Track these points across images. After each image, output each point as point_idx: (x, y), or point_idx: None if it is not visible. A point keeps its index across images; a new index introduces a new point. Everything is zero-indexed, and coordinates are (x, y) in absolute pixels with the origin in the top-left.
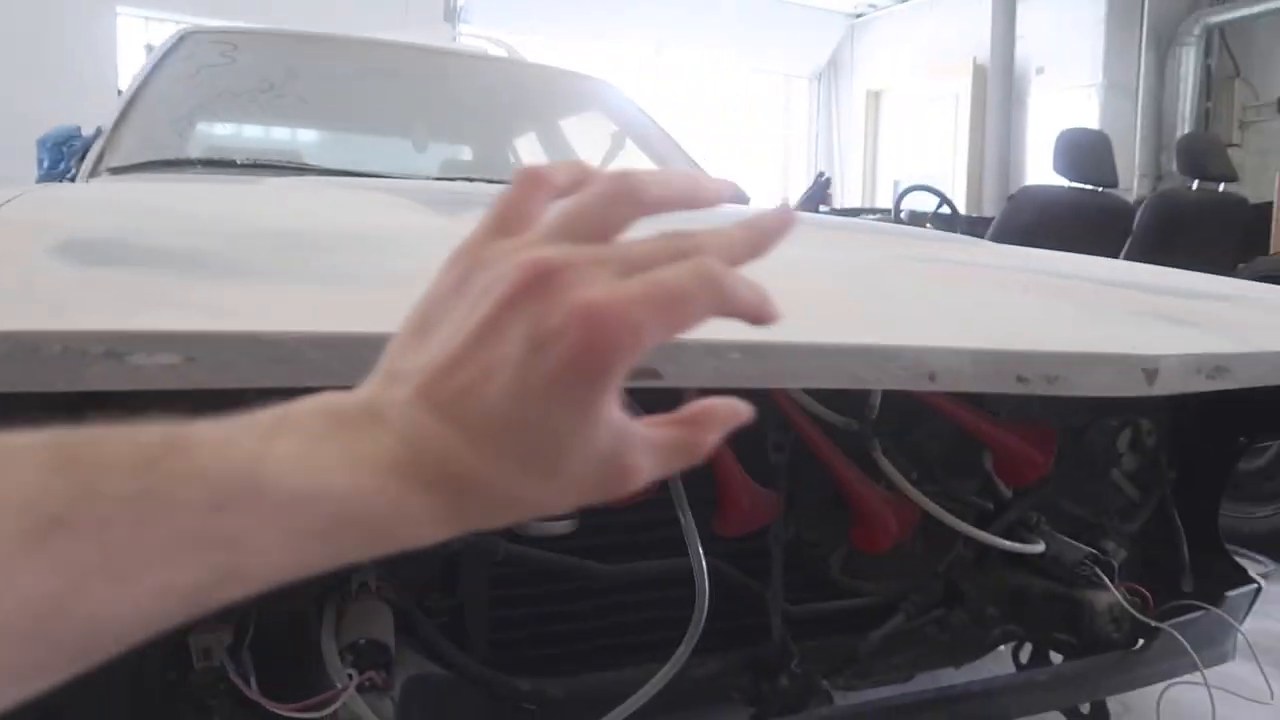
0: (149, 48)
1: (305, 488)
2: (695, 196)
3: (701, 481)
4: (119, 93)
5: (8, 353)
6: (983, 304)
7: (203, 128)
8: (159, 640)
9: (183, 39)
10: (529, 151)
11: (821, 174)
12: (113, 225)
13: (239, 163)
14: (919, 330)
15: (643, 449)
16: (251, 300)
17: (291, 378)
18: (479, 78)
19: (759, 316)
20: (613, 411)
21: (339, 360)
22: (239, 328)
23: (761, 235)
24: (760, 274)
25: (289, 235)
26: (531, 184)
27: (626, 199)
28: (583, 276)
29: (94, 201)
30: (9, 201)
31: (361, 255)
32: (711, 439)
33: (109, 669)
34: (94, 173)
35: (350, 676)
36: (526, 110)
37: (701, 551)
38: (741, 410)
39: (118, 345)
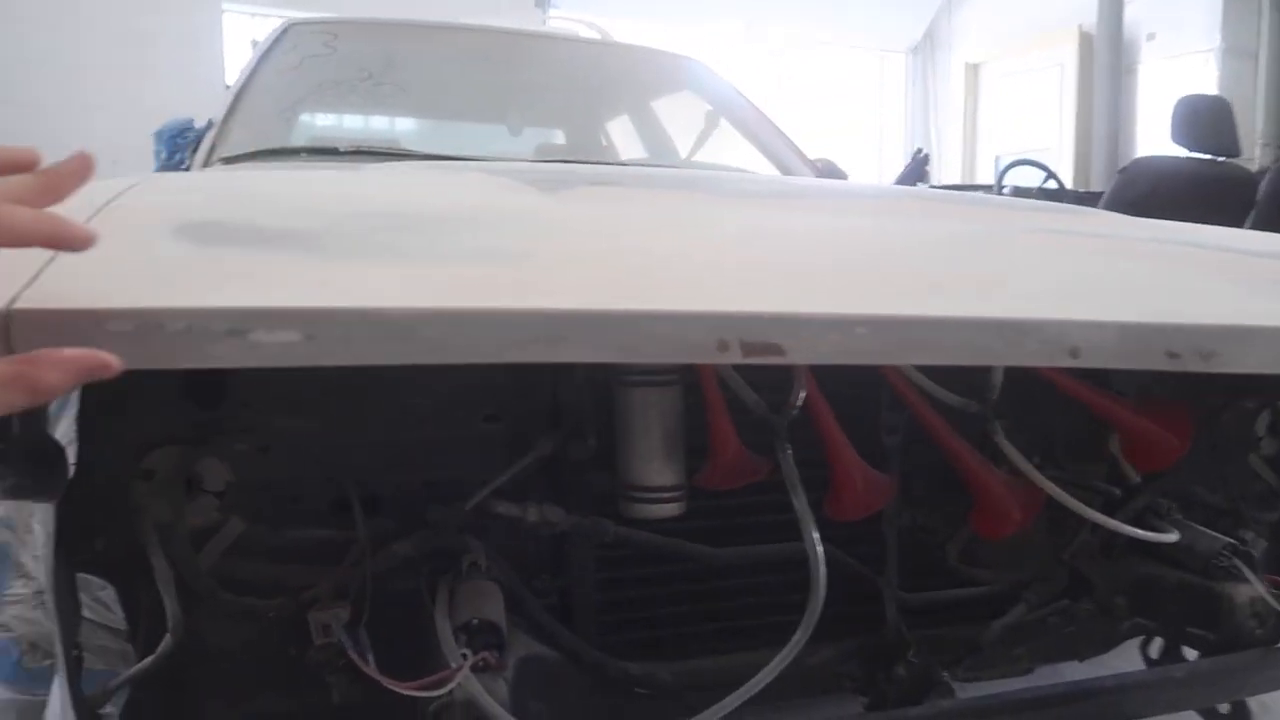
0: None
1: None
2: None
3: (813, 464)
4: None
5: (134, 330)
6: (1122, 275)
7: (306, 117)
8: (279, 616)
9: (286, 31)
10: (622, 133)
11: (919, 150)
12: (228, 209)
13: (341, 150)
14: (1057, 303)
15: None
16: (366, 278)
17: (406, 354)
18: (571, 60)
19: (56, 244)
20: None
21: (454, 336)
22: (356, 304)
23: (57, 178)
24: (885, 249)
25: (398, 215)
26: None
27: None
28: None
29: (208, 188)
30: (129, 189)
31: (470, 233)
32: (56, 380)
33: (231, 643)
34: (207, 163)
35: (465, 656)
36: (619, 92)
37: (817, 536)
38: (104, 362)
39: (239, 323)
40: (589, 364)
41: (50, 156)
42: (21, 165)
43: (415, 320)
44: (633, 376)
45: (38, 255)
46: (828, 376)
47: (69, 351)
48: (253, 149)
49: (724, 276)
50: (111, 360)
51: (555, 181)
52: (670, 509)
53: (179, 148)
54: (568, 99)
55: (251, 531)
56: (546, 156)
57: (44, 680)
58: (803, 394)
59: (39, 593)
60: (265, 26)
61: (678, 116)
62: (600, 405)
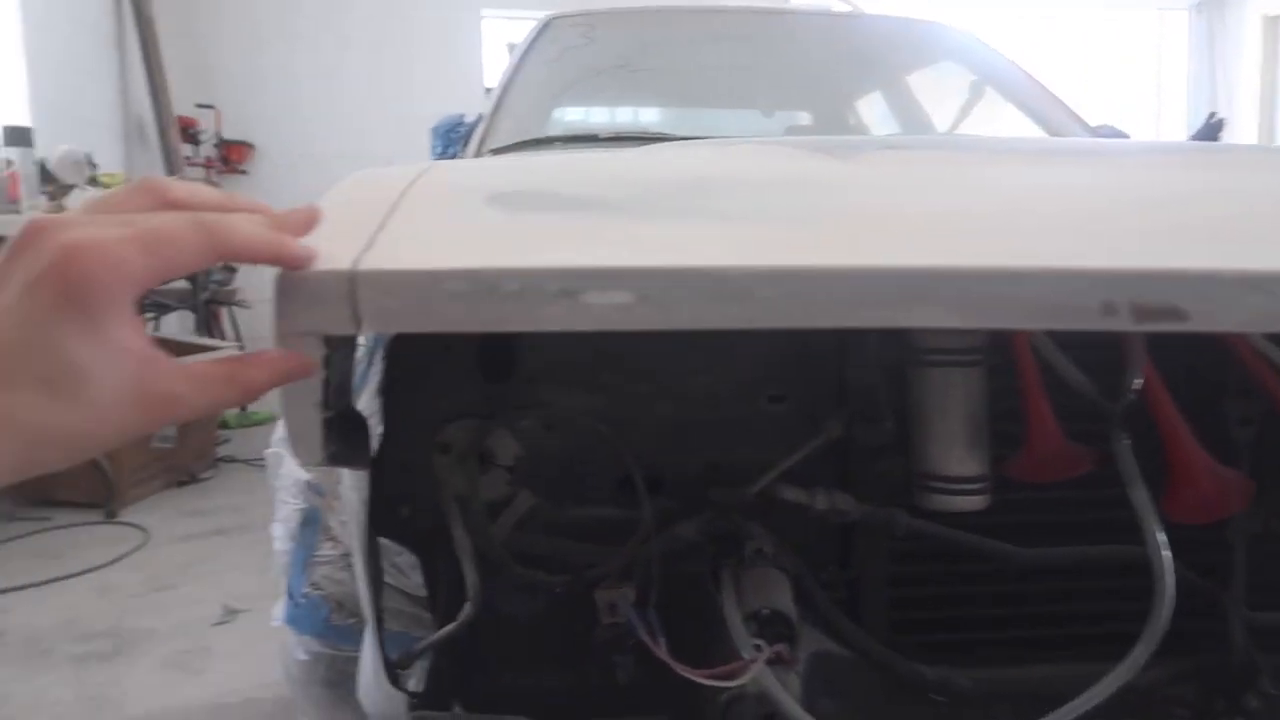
0: (510, 46)
1: None
2: (225, 210)
3: (1140, 457)
4: (486, 90)
5: (467, 291)
6: None
7: (568, 107)
8: (566, 592)
9: (547, 25)
10: (873, 111)
11: (1213, 115)
12: (531, 181)
13: (601, 137)
14: None
15: (178, 378)
16: (694, 238)
17: (741, 317)
18: (825, 36)
19: (278, 260)
20: (131, 339)
21: (790, 297)
22: (692, 263)
23: (284, 222)
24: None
25: (700, 181)
26: (141, 191)
27: (150, 190)
28: (69, 227)
29: (500, 166)
30: (427, 170)
31: (783, 195)
32: (260, 378)
33: (521, 616)
34: (477, 154)
35: (759, 648)
36: (872, 67)
37: (1163, 538)
38: (304, 364)
39: (572, 283)
40: (881, 341)
41: (341, 159)
42: (255, 212)
43: (755, 280)
44: (932, 355)
45: (368, 222)
46: (1159, 355)
47: (272, 353)
48: (518, 139)
49: (1097, 231)
50: (310, 361)
51: (845, 148)
52: (972, 502)
53: (452, 141)
54: (820, 77)
55: (538, 507)
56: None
57: (349, 637)
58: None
59: (345, 555)
60: (522, 28)
61: (936, 89)
62: (892, 386)
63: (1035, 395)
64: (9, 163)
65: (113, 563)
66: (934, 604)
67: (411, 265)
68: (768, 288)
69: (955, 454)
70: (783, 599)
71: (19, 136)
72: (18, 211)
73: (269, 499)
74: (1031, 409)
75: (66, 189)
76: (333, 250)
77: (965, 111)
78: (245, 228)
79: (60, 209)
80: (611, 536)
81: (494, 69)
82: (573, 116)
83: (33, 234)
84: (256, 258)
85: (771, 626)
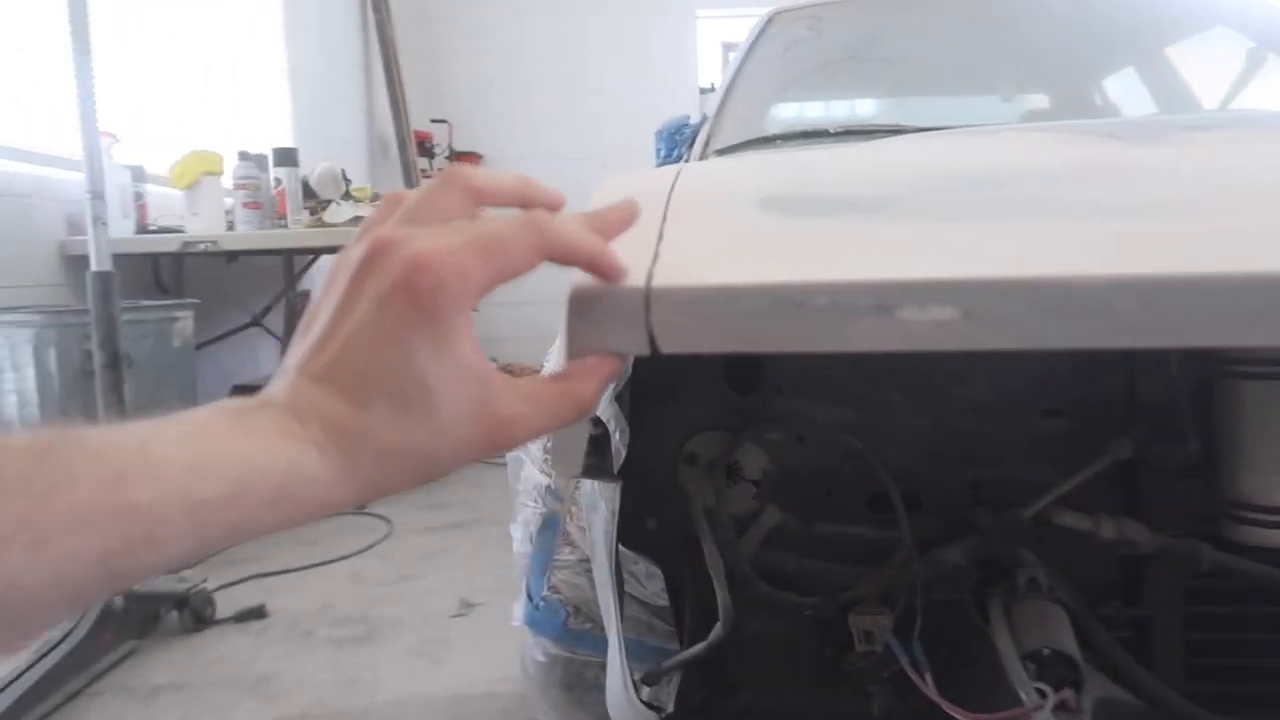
0: (725, 45)
1: (198, 457)
2: (524, 196)
3: None
4: (701, 90)
5: (768, 308)
6: None
7: (795, 103)
8: (817, 615)
9: (770, 20)
10: (1121, 90)
11: None
12: (795, 181)
13: (831, 132)
14: None
15: (516, 397)
16: (1010, 242)
17: (1091, 335)
18: (1072, 7)
19: (594, 267)
20: (472, 356)
21: (1156, 312)
22: (1034, 273)
23: (605, 222)
24: None
25: (986, 175)
26: (448, 186)
27: (457, 184)
28: (410, 240)
29: (755, 167)
30: (680, 174)
31: (1093, 189)
32: (591, 390)
33: (768, 636)
34: (702, 156)
35: (1043, 693)
36: (1129, 39)
37: None
38: (617, 366)
39: (887, 298)
40: (1187, 350)
41: (563, 162)
42: (551, 204)
43: (1113, 291)
44: (1249, 366)
45: (645, 232)
46: None
47: (591, 360)
48: (745, 138)
49: None
50: (622, 362)
51: (1138, 131)
52: None
53: (677, 144)
54: (1065, 56)
55: (786, 523)
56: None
57: (586, 641)
58: None
59: (583, 560)
60: (735, 26)
61: (1202, 60)
62: (1193, 402)
63: None
64: (278, 181)
65: (362, 552)
66: (1236, 650)
67: (707, 281)
68: (1128, 300)
69: (1276, 480)
70: (1064, 638)
71: (286, 157)
72: (285, 225)
73: (500, 496)
74: None
75: (325, 203)
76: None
77: (1241, 83)
78: (573, 230)
79: (320, 223)
80: (864, 557)
81: (708, 69)
82: (800, 113)
83: (378, 249)
84: (578, 261)
85: (1053, 669)
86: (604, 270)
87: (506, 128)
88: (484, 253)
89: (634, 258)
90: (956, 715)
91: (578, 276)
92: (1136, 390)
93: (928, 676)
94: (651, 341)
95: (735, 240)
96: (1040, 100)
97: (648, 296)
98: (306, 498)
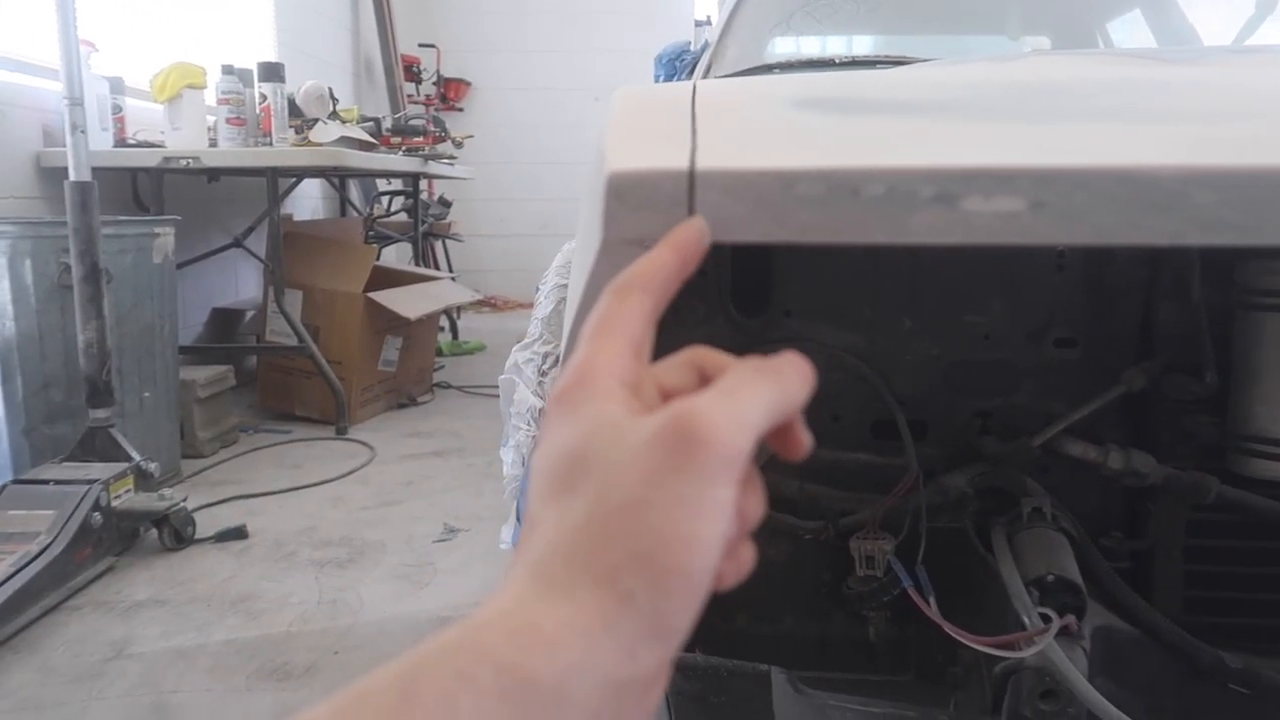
0: None
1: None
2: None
3: None
4: (696, 22)
5: (823, 195)
6: None
7: (798, 34)
8: (817, 539)
9: None
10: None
11: None
12: (821, 87)
13: (838, 62)
14: None
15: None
16: (1088, 134)
17: (1168, 229)
18: None
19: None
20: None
21: (1233, 205)
22: (1108, 162)
23: (684, 252)
24: None
25: (1037, 86)
26: (621, 296)
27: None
28: (719, 418)
29: (776, 80)
30: (697, 87)
31: (1149, 98)
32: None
33: (765, 559)
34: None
35: (1047, 618)
36: None
37: None
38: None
39: (951, 185)
40: (1206, 279)
41: (553, 93)
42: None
43: (1193, 182)
44: (1272, 298)
45: (677, 128)
46: None
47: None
48: (748, 65)
49: None
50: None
51: (1174, 56)
52: None
53: (677, 70)
54: None
55: None
56: None
57: None
58: None
59: None
60: None
61: (1210, 3)
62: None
63: None
64: (263, 97)
65: (345, 476)
66: (1236, 584)
67: (757, 164)
68: (1207, 193)
69: None
70: (1068, 564)
71: (271, 72)
72: (269, 143)
73: (484, 426)
74: None
75: (311, 122)
76: (660, 150)
77: (1251, 27)
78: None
79: (307, 142)
80: (867, 483)
81: (704, 2)
82: (809, 41)
83: (687, 436)
84: (666, 281)
85: (1056, 595)
86: (691, 252)
87: (497, 55)
88: (784, 405)
89: (668, 145)
90: (960, 638)
91: (614, 159)
92: (1155, 320)
93: (931, 600)
94: None
95: (778, 131)
96: (1043, 42)
97: (692, 178)
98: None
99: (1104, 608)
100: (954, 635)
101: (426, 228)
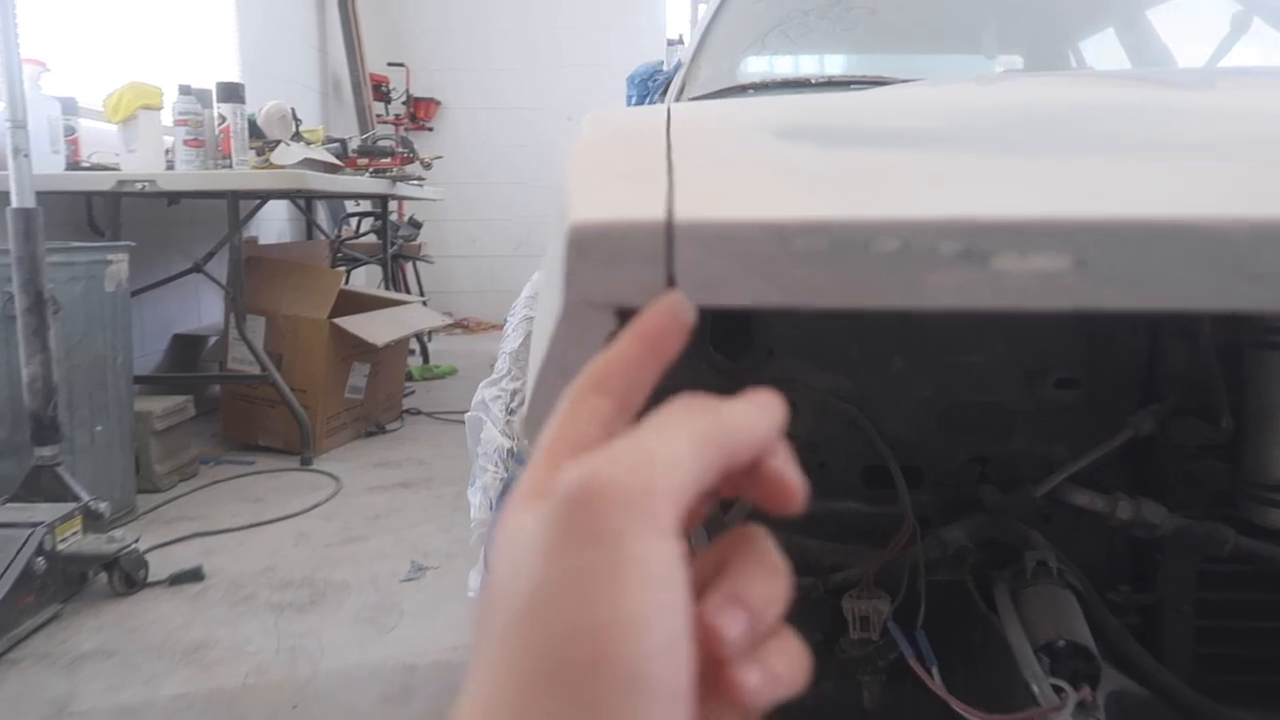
0: None
1: None
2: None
3: None
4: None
5: (825, 251)
6: None
7: (773, 53)
8: (808, 599)
9: None
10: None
11: None
12: (806, 113)
13: (814, 82)
14: None
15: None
16: (1133, 178)
17: (1240, 294)
18: None
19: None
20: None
21: None
22: (1162, 213)
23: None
24: None
25: (1030, 110)
26: (576, 402)
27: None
28: (616, 462)
29: (752, 104)
30: (671, 112)
31: (1166, 126)
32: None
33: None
34: (678, 101)
35: (1061, 691)
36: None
37: None
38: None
39: (979, 241)
40: (1215, 318)
41: (524, 112)
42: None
43: (1265, 239)
44: None
45: (650, 164)
46: None
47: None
48: (721, 86)
49: None
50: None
51: (1171, 78)
52: None
53: (649, 90)
54: (1044, 16)
55: None
56: None
57: None
58: None
59: None
60: None
61: (1183, 23)
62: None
63: None
64: (222, 118)
65: (309, 510)
66: (1250, 640)
67: (747, 216)
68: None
69: None
70: (1078, 627)
71: (230, 93)
72: (229, 165)
73: (453, 454)
74: None
75: (274, 144)
76: (629, 196)
77: (1223, 49)
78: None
79: (268, 164)
80: (858, 535)
81: (676, 21)
82: (783, 60)
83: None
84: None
85: (1069, 662)
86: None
87: (467, 75)
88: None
89: (641, 187)
90: (967, 715)
91: (578, 208)
92: (1162, 360)
93: (934, 670)
94: (672, 288)
95: (764, 169)
96: (1016, 61)
97: (670, 232)
98: None
99: (1113, 669)
100: (962, 712)
101: (396, 249)
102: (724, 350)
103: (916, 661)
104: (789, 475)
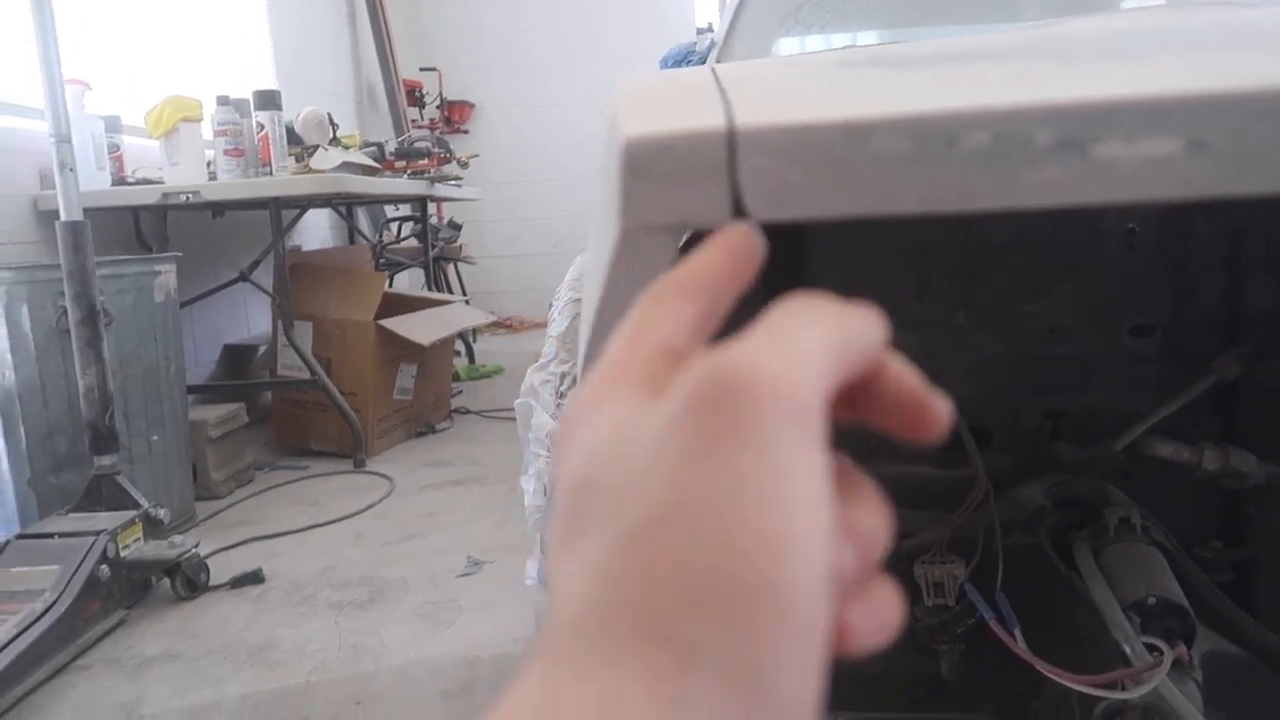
0: None
1: None
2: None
3: None
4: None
5: (908, 149)
6: None
7: (806, 28)
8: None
9: None
10: None
11: None
12: (860, 53)
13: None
14: None
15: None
16: (1211, 63)
17: None
18: None
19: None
20: None
21: None
22: (1272, 83)
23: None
24: None
25: (1091, 32)
26: (656, 302)
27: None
28: (762, 356)
29: (784, 59)
30: (715, 68)
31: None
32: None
33: None
34: None
35: (1154, 649)
36: None
37: None
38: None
39: (1080, 127)
40: None
41: (558, 109)
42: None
43: None
44: None
45: (703, 94)
46: None
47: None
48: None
49: None
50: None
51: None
52: None
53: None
54: None
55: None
56: None
57: None
58: None
59: None
60: None
61: None
62: None
63: None
64: (260, 126)
65: (364, 511)
66: None
67: (816, 117)
68: None
69: None
70: (1169, 584)
71: (268, 100)
72: (270, 173)
73: (503, 451)
74: None
75: (312, 149)
76: (684, 112)
77: None
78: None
79: (307, 169)
80: (928, 500)
81: (705, 9)
82: (814, 38)
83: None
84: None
85: (1161, 620)
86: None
87: (499, 75)
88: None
89: (697, 106)
90: (1058, 678)
91: (630, 124)
92: (1243, 299)
93: (1017, 633)
94: (737, 204)
95: (824, 86)
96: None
97: (732, 139)
98: None
99: (1208, 629)
100: (1050, 675)
101: (437, 252)
102: (771, 282)
103: (998, 624)
104: (921, 390)
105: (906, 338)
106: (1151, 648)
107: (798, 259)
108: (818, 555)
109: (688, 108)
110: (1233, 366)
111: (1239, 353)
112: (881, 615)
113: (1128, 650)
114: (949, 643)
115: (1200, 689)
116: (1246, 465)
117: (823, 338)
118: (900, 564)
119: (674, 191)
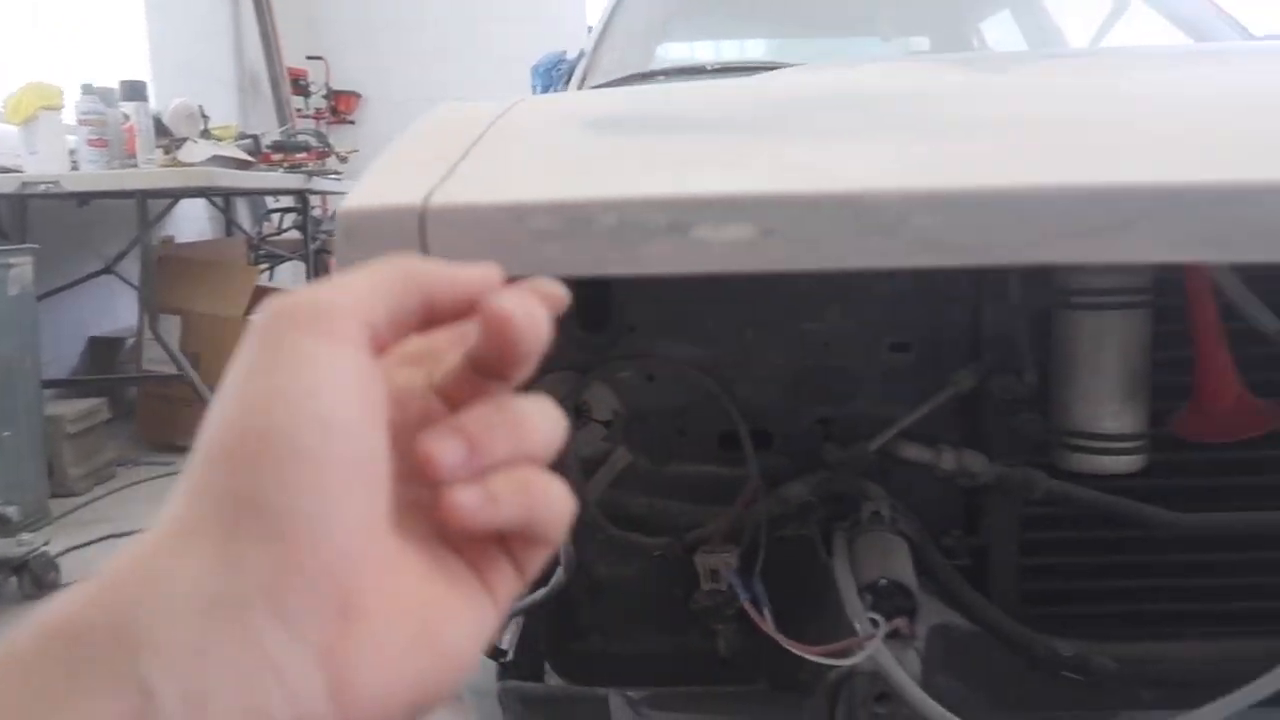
0: None
1: None
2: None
3: None
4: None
5: (555, 228)
6: None
7: (673, 41)
8: (665, 555)
9: None
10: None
11: None
12: (631, 106)
13: (709, 69)
14: None
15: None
16: (820, 159)
17: (893, 253)
18: None
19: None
20: None
21: (958, 229)
22: (829, 188)
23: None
24: None
25: (825, 99)
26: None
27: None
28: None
29: (600, 96)
30: (519, 102)
31: (924, 109)
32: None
33: (615, 578)
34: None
35: (875, 622)
36: None
37: None
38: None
39: (681, 214)
40: (1023, 280)
41: (447, 89)
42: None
43: (911, 206)
44: (1085, 296)
45: (450, 153)
46: None
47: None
48: (622, 74)
49: None
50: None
51: (993, 62)
52: (1126, 462)
53: (553, 79)
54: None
55: (636, 464)
56: None
57: None
58: None
59: None
60: None
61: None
62: (1031, 333)
63: (1211, 341)
64: (125, 117)
65: None
66: (1071, 574)
67: (491, 199)
68: (927, 215)
69: (1108, 409)
70: (902, 567)
71: (134, 91)
72: (135, 165)
73: None
74: (1205, 358)
75: (180, 141)
76: (405, 184)
77: (1105, 28)
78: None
79: (175, 162)
80: (715, 496)
81: (596, 7)
82: (679, 53)
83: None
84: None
85: (889, 599)
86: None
87: (388, 66)
88: None
89: (425, 179)
90: (792, 648)
91: (351, 195)
92: (980, 322)
93: (766, 612)
94: None
95: (543, 161)
96: (917, 43)
97: (423, 215)
98: None
99: (945, 606)
100: (788, 647)
101: (319, 245)
102: (586, 325)
103: (751, 605)
104: (507, 301)
105: (703, 352)
106: (874, 621)
107: (605, 287)
108: (329, 403)
109: (408, 180)
110: (967, 379)
111: (975, 368)
112: (504, 493)
113: (856, 625)
114: (724, 622)
115: (920, 656)
116: (978, 465)
117: (370, 275)
118: (686, 553)
119: (374, 252)
